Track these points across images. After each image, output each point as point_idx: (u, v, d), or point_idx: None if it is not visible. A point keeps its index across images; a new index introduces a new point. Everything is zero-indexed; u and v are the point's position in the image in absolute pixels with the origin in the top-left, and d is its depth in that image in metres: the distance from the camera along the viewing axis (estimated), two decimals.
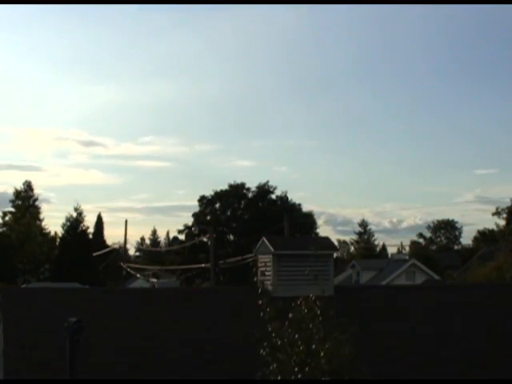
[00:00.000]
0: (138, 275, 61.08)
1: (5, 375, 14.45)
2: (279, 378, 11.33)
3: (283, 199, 71.94)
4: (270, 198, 72.01)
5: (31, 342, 15.08)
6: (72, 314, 12.72)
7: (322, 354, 11.14)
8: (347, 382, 11.51)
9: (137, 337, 15.89)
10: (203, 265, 50.75)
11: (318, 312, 11.58)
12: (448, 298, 19.44)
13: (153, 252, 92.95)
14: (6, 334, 15.41)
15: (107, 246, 73.41)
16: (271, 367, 11.46)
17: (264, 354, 11.61)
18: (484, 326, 17.78)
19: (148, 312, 16.95)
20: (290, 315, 11.75)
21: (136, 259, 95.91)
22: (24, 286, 49.96)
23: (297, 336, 11.46)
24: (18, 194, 75.72)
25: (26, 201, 75.59)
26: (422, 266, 61.96)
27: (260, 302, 12.07)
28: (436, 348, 16.63)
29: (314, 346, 11.31)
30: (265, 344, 11.58)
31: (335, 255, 23.71)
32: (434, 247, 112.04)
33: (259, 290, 14.04)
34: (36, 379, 13.98)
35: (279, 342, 11.53)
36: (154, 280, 58.96)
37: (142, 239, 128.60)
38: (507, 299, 19.40)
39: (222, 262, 51.53)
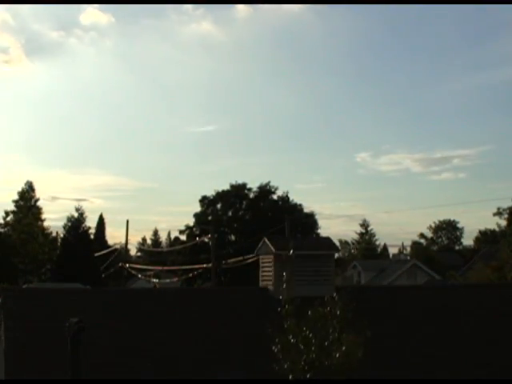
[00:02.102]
0: (140, 275, 61.08)
1: (5, 375, 14.46)
2: (290, 376, 11.36)
3: (284, 199, 71.96)
4: (272, 198, 72.05)
5: (32, 342, 15.10)
6: (73, 315, 12.73)
7: (337, 354, 11.19)
8: (349, 382, 11.54)
9: (137, 337, 15.91)
10: (204, 265, 50.75)
11: (338, 312, 11.63)
12: (449, 298, 19.44)
13: (154, 252, 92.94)
14: (7, 335, 15.42)
15: (109, 247, 73.42)
16: (285, 365, 11.48)
17: (276, 351, 11.64)
18: (484, 326, 17.79)
19: (148, 312, 16.95)
20: (310, 313, 11.79)
21: (137, 259, 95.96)
22: (25, 286, 49.98)
23: (311, 335, 11.50)
24: (22, 194, 75.79)
25: (28, 201, 75.69)
26: (424, 267, 62.05)
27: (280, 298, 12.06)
28: (436, 348, 16.63)
29: (326, 345, 11.36)
30: (276, 340, 11.60)
31: (336, 255, 23.70)
32: (435, 247, 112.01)
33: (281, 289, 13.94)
34: (36, 379, 13.99)
35: (292, 340, 11.55)
36: (155, 280, 58.96)
37: (144, 239, 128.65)
38: (508, 299, 19.40)
39: (224, 262, 51.56)
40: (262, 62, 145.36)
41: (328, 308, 11.73)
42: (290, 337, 11.54)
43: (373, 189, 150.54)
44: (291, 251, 17.69)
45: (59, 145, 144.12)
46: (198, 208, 72.03)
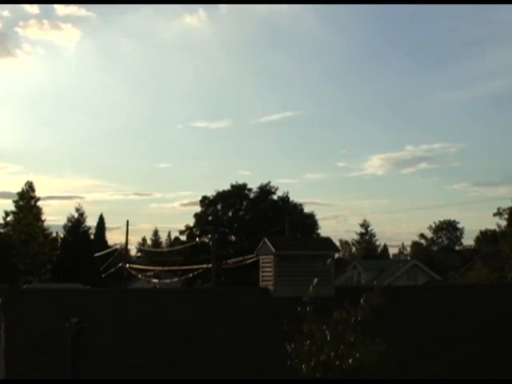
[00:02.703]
0: (140, 276, 61.07)
1: (5, 375, 14.47)
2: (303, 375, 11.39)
3: (284, 200, 71.95)
4: (272, 198, 72.03)
5: (32, 343, 15.10)
6: (73, 315, 12.73)
7: (350, 360, 11.24)
8: (349, 382, 11.55)
9: (137, 337, 15.91)
10: (204, 265, 50.75)
11: (359, 318, 11.69)
12: (449, 298, 19.45)
13: (154, 253, 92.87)
14: (7, 335, 15.43)
15: (109, 247, 73.41)
16: (296, 360, 11.53)
17: (289, 350, 11.68)
18: (484, 327, 17.79)
19: (148, 312, 16.96)
20: (334, 315, 11.82)
21: (137, 260, 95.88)
22: (25, 286, 49.98)
23: (329, 337, 11.54)
24: (21, 194, 75.63)
25: (28, 201, 75.57)
26: (424, 267, 61.96)
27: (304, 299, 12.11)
28: (437, 348, 16.63)
29: (342, 348, 11.40)
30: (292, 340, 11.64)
31: (336, 256, 23.73)
32: (435, 248, 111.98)
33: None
34: (36, 379, 13.99)
35: (309, 341, 11.58)
36: (156, 281, 58.95)
37: (144, 240, 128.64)
38: (508, 299, 19.41)
39: (225, 262, 51.55)
40: (248, 59, 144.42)
41: (349, 312, 11.76)
42: (309, 337, 11.55)
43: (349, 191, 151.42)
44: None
45: (41, 147, 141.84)
46: (189, 209, 71.99)
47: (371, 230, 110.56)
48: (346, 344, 11.41)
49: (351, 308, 11.86)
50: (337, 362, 11.27)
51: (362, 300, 12.01)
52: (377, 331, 11.40)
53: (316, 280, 12.79)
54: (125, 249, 62.22)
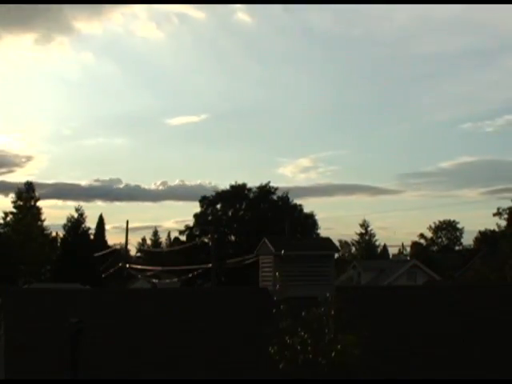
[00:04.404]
0: (139, 276, 61.05)
1: (6, 375, 14.46)
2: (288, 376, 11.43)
3: (284, 200, 71.92)
4: (272, 198, 71.99)
5: (32, 342, 15.09)
6: (73, 315, 12.75)
7: (333, 354, 11.26)
8: (348, 382, 11.57)
9: (137, 337, 15.91)
10: (204, 266, 50.73)
11: (332, 312, 11.71)
12: (449, 298, 19.46)
13: (154, 253, 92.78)
14: (7, 335, 15.43)
15: (108, 247, 73.38)
16: (280, 366, 11.54)
17: (272, 352, 11.69)
18: (484, 326, 17.79)
19: (148, 312, 16.96)
20: (303, 313, 11.84)
21: (137, 260, 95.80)
22: (25, 286, 49.99)
23: (306, 335, 11.57)
24: (19, 194, 75.53)
25: (27, 201, 75.51)
26: (424, 267, 61.95)
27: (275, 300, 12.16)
28: (436, 348, 16.63)
29: (322, 345, 11.43)
30: (273, 341, 11.65)
31: (336, 256, 23.74)
32: (435, 248, 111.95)
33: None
34: (36, 379, 13.99)
35: (289, 341, 11.61)
36: (155, 281, 58.94)
37: (143, 240, 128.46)
38: (508, 299, 19.42)
39: (223, 262, 51.48)
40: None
41: (322, 309, 11.80)
42: (287, 337, 11.59)
43: None
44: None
45: None
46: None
47: (371, 229, 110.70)
48: (325, 340, 11.46)
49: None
50: (323, 362, 11.31)
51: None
52: (374, 331, 11.42)
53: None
54: (125, 249, 62.20)
